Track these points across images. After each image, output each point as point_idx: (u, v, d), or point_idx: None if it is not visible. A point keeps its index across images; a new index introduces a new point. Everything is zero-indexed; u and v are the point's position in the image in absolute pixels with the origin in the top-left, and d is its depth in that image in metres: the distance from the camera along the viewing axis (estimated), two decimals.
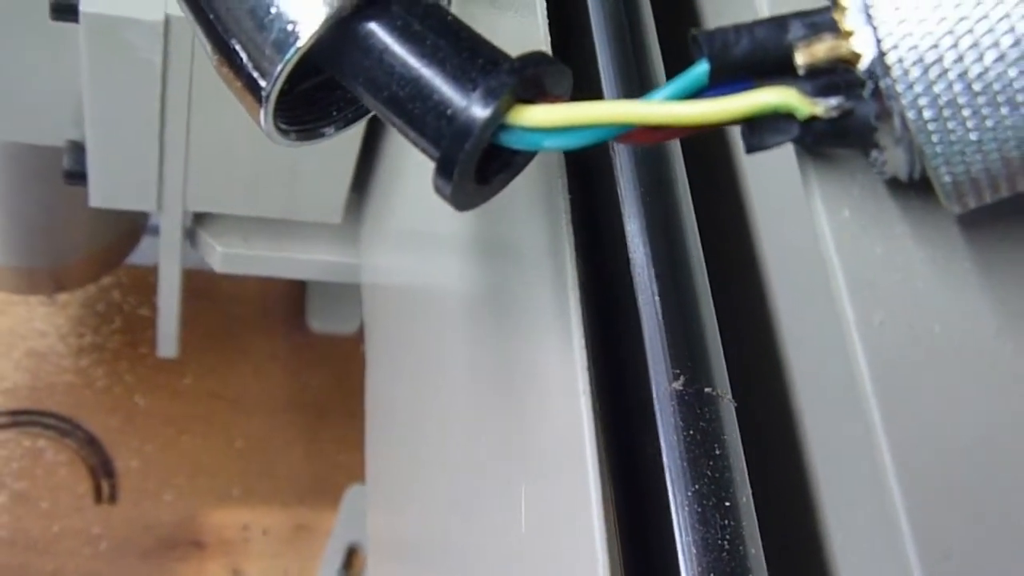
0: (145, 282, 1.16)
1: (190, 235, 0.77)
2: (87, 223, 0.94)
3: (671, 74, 0.41)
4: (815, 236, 0.24)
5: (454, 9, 0.51)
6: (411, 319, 0.56)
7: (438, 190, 0.26)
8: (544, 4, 0.39)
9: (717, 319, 0.36)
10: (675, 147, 0.40)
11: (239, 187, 0.69)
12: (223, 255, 0.77)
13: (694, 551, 0.31)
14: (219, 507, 1.08)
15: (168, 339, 0.89)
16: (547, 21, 0.38)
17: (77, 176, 0.67)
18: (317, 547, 1.08)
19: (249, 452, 1.12)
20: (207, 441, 1.11)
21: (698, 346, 0.35)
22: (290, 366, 1.19)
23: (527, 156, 0.28)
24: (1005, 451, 0.22)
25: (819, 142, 0.24)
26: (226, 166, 0.67)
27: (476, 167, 0.26)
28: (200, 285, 1.12)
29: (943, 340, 0.23)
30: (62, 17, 0.55)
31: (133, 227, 1.00)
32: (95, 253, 0.98)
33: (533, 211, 0.37)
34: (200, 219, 0.76)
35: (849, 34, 0.22)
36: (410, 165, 0.58)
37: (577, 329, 0.32)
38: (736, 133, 0.44)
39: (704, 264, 0.38)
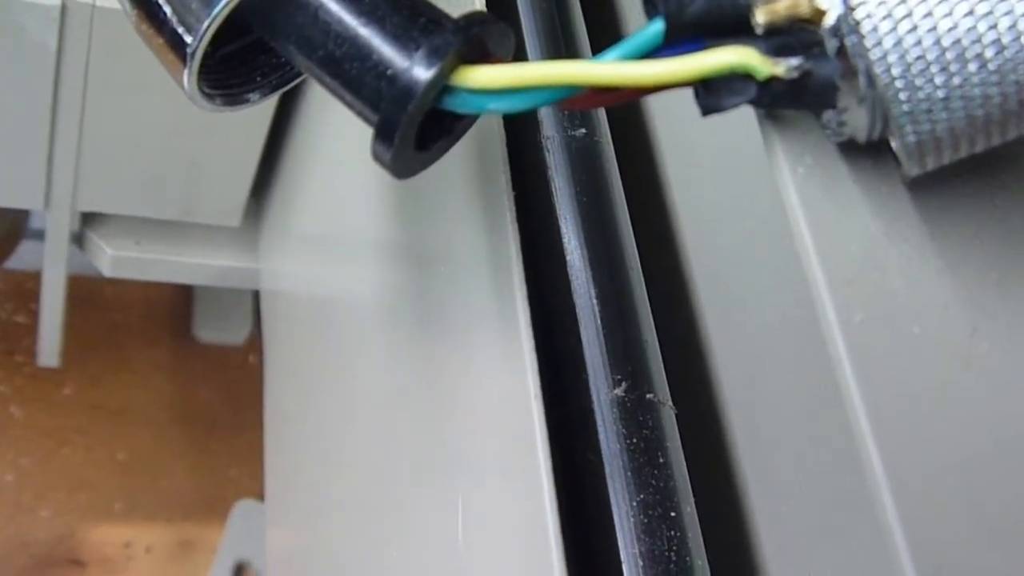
0: (23, 288, 1.11)
1: (77, 237, 0.73)
2: None
3: (596, 49, 0.40)
4: (777, 198, 0.23)
5: None
6: (318, 327, 0.54)
7: (376, 156, 0.24)
8: None
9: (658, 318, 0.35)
10: (607, 143, 0.39)
11: (135, 186, 0.66)
12: (113, 258, 0.73)
13: (641, 563, 0.30)
14: (100, 523, 1.03)
15: (50, 347, 0.85)
16: None
17: None
18: (203, 564, 1.04)
19: (132, 466, 1.07)
20: (88, 454, 1.06)
21: (638, 351, 0.34)
22: (176, 377, 1.15)
23: (468, 121, 0.27)
24: (992, 452, 0.21)
25: (776, 103, 0.23)
26: (122, 163, 0.63)
27: (416, 132, 0.24)
28: (83, 291, 1.07)
29: (921, 340, 0.22)
30: None
31: (13, 230, 0.96)
32: None
33: (469, 209, 0.35)
34: (89, 220, 0.73)
35: None
36: (321, 164, 0.56)
37: (526, 332, 0.30)
38: (669, 114, 0.43)
39: (640, 266, 0.37)
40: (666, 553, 0.30)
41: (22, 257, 0.99)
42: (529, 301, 0.35)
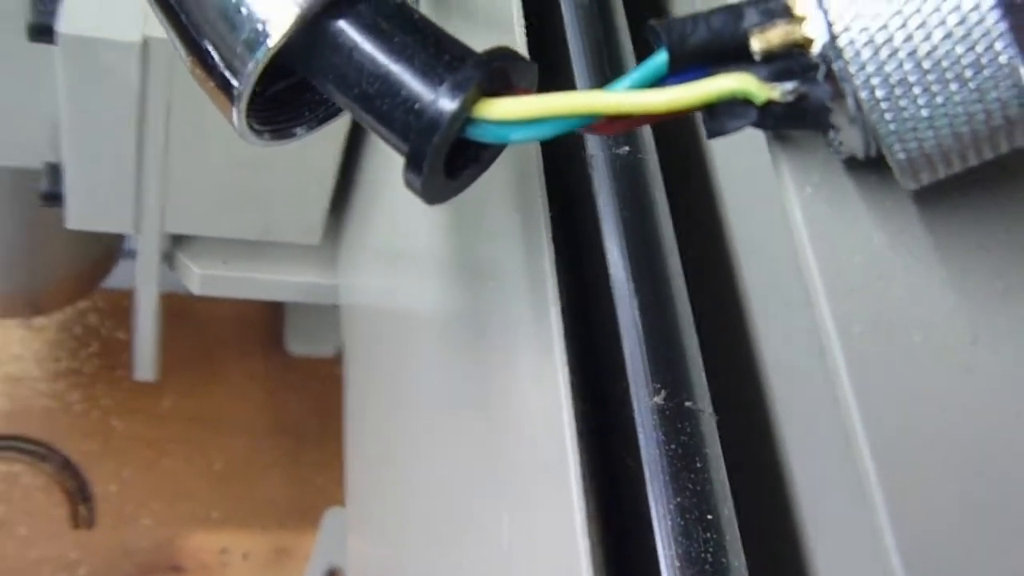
0: (121, 306, 1.16)
1: (168, 257, 0.77)
2: (63, 247, 0.93)
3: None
4: (783, 217, 0.25)
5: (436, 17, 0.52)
6: (388, 340, 0.56)
7: (408, 184, 0.26)
8: (521, 16, 0.39)
9: (696, 331, 0.36)
10: (652, 157, 0.40)
11: (217, 208, 0.69)
12: (201, 277, 0.77)
13: (677, 564, 0.31)
14: (198, 531, 1.08)
15: (145, 362, 0.89)
16: (524, 31, 0.39)
17: (54, 198, 0.67)
18: (297, 570, 1.07)
19: (228, 475, 1.11)
20: (186, 464, 1.11)
21: (679, 360, 0.36)
22: (269, 389, 1.19)
23: (496, 150, 0.28)
24: (987, 457, 0.22)
25: (777, 125, 0.24)
26: (204, 187, 0.67)
27: (445, 161, 0.26)
28: (178, 307, 1.11)
29: (922, 349, 0.23)
30: (40, 38, 0.55)
31: (109, 251, 1.00)
32: (71, 277, 0.98)
33: (511, 226, 0.37)
34: (178, 241, 0.76)
35: (802, 19, 0.23)
36: (388, 184, 0.58)
37: (559, 345, 0.32)
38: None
39: (683, 276, 0.38)
40: (702, 554, 0.31)
41: (122, 276, 1.03)
42: (574, 314, 0.36)
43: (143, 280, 0.78)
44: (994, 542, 0.22)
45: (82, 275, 0.99)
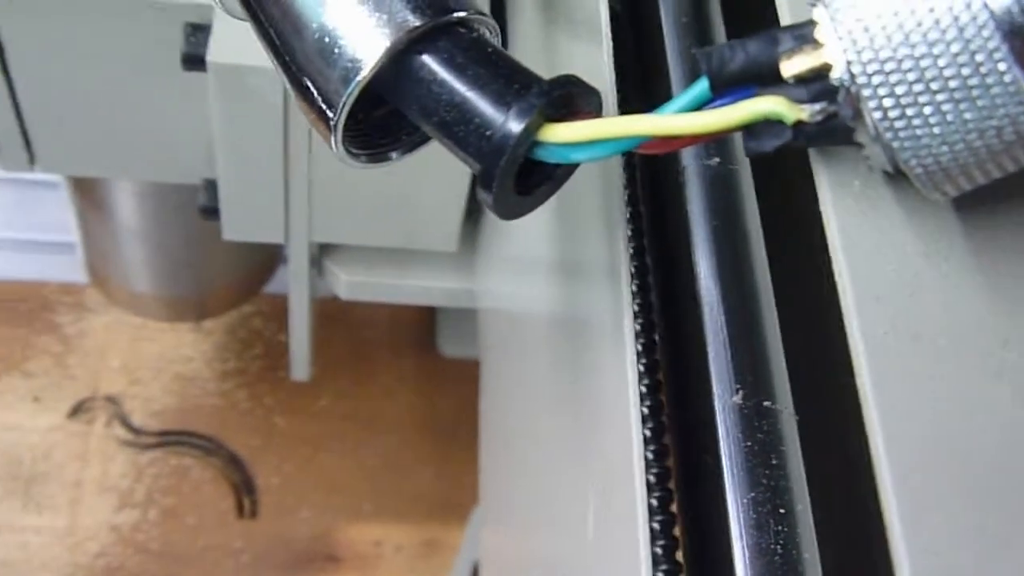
0: (283, 310, 1.23)
1: (317, 264, 0.82)
2: (226, 255, 1.00)
3: None
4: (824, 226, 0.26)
5: (536, 37, 0.54)
6: (509, 342, 0.59)
7: (482, 201, 0.29)
8: (608, 30, 0.41)
9: (790, 333, 0.38)
10: (743, 167, 0.42)
11: (359, 218, 0.73)
12: (348, 283, 0.81)
13: (747, 554, 0.33)
14: (353, 523, 1.13)
15: (300, 363, 0.94)
16: (611, 45, 0.41)
17: (211, 212, 0.73)
18: (446, 563, 1.11)
19: (381, 471, 1.16)
20: (341, 460, 1.16)
21: (760, 362, 0.37)
22: (420, 389, 1.24)
23: (567, 169, 0.31)
24: (1009, 465, 0.23)
25: (812, 142, 0.26)
26: (346, 199, 0.71)
27: (518, 180, 0.29)
28: (334, 312, 1.17)
29: (949, 352, 0.25)
30: (192, 67, 0.61)
31: (269, 258, 1.06)
32: (234, 282, 1.05)
33: (598, 235, 0.39)
34: (326, 249, 0.81)
35: (823, 45, 0.25)
36: None
37: (631, 347, 0.34)
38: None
39: (770, 282, 0.39)
40: (772, 546, 0.33)
41: (284, 281, 1.09)
42: (664, 319, 0.38)
43: (295, 286, 0.83)
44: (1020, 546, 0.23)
45: (244, 281, 1.06)
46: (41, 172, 0.78)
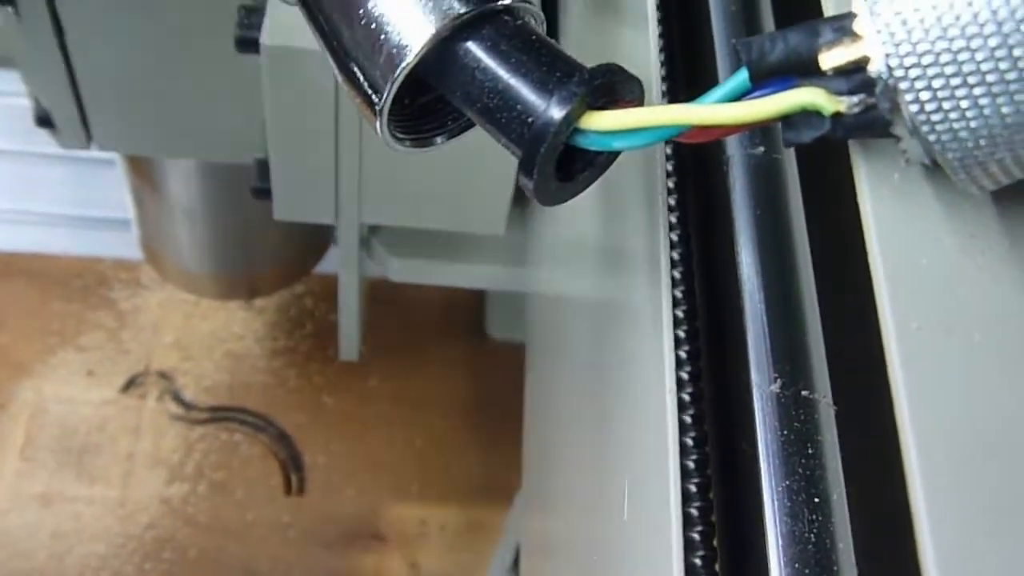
0: (334, 290, 1.24)
1: (366, 245, 0.83)
2: (277, 235, 1.01)
3: None
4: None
5: (585, 27, 0.54)
6: (553, 326, 0.60)
7: (522, 186, 0.29)
8: (656, 19, 0.41)
9: (831, 323, 0.38)
10: (788, 156, 0.42)
11: (408, 200, 0.74)
12: (397, 265, 0.82)
13: (781, 542, 0.33)
14: (398, 502, 1.14)
15: (349, 343, 0.95)
16: (659, 32, 0.41)
17: (263, 192, 0.74)
18: (490, 544, 1.12)
19: (428, 452, 1.17)
20: (388, 440, 1.18)
21: (799, 352, 0.37)
22: (469, 371, 1.24)
23: (609, 156, 0.31)
24: None
25: (849, 134, 0.26)
26: (396, 181, 0.72)
27: (559, 166, 0.29)
28: (385, 293, 1.18)
29: (983, 347, 0.25)
30: (246, 50, 0.61)
31: (320, 238, 1.07)
32: (285, 262, 1.06)
33: (641, 222, 0.40)
34: (375, 231, 0.82)
35: (862, 38, 0.25)
36: None
37: (668, 333, 0.34)
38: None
39: (812, 272, 0.39)
40: (806, 534, 0.33)
41: (334, 262, 1.11)
42: (705, 306, 0.38)
43: (344, 267, 0.84)
44: None
45: (295, 260, 1.07)
46: (97, 151, 0.80)
